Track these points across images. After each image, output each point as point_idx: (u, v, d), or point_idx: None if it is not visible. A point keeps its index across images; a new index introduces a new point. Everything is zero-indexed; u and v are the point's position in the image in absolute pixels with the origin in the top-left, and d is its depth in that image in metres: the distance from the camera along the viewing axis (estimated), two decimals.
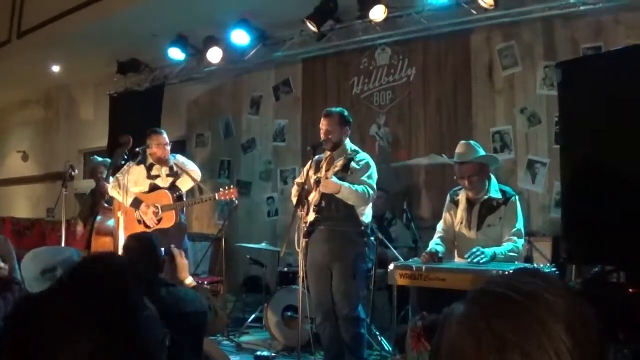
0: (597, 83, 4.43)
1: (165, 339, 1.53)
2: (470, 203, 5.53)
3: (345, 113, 6.09)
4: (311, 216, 5.84)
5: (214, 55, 9.62)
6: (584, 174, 4.17)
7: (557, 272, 4.53)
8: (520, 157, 7.68)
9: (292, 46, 9.41)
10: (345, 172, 5.82)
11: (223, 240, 8.58)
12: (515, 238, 5.28)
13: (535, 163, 7.54)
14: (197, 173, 7.34)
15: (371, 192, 5.76)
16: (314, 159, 6.14)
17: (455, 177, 5.57)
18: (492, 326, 1.10)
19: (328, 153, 6.02)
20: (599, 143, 4.15)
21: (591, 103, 4.35)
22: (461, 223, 5.56)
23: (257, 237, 9.00)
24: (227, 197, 6.99)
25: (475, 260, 5.00)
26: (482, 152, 5.56)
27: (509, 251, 5.18)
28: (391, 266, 5.18)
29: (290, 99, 9.85)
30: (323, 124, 5.98)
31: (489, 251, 5.07)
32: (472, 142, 5.61)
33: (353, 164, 5.85)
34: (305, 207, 5.85)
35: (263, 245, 8.11)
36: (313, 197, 5.89)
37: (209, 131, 10.81)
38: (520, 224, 5.36)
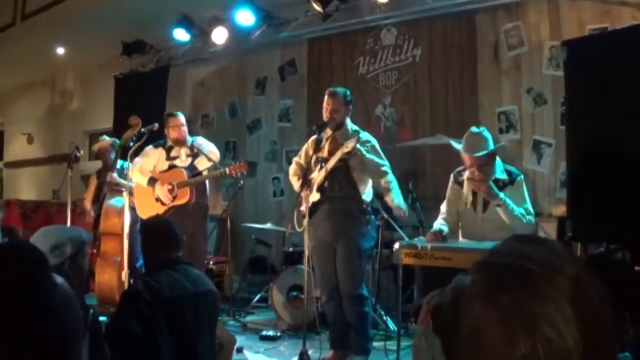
0: (604, 62, 4.42)
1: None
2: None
3: (349, 93, 6.11)
4: (315, 196, 5.87)
5: (219, 35, 9.61)
6: (589, 153, 4.16)
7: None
8: (526, 138, 7.67)
9: (297, 26, 9.39)
10: (349, 154, 5.77)
11: (229, 220, 8.74)
12: (526, 216, 5.25)
13: (541, 144, 7.53)
14: (215, 155, 7.42)
15: (385, 168, 5.85)
16: (314, 137, 6.16)
17: (462, 162, 5.53)
18: (517, 300, 1.07)
19: (329, 132, 6.03)
20: (605, 122, 4.14)
21: (598, 82, 4.34)
22: (466, 204, 5.53)
23: (262, 217, 9.04)
24: (238, 171, 7.04)
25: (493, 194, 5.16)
26: (491, 142, 5.42)
27: (521, 214, 5.19)
28: (396, 245, 5.20)
29: (296, 80, 9.84)
30: (328, 103, 5.99)
31: (509, 201, 5.17)
32: (483, 131, 5.46)
33: (358, 145, 5.78)
34: (308, 187, 5.82)
35: (268, 225, 8.14)
36: (316, 177, 5.90)
37: (214, 112, 10.82)
38: (528, 204, 5.34)
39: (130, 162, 7.19)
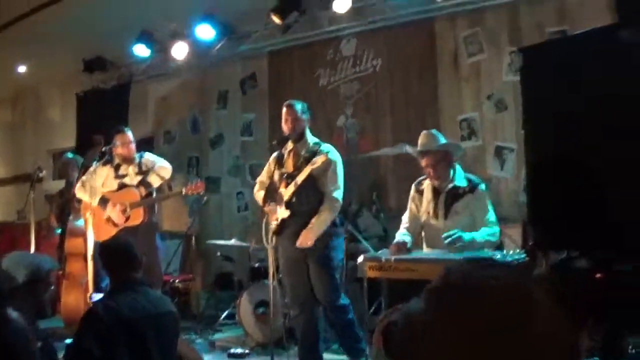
0: (560, 68, 4.38)
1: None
2: (436, 192, 5.52)
3: (306, 105, 6.08)
4: (283, 213, 5.79)
5: (180, 50, 9.52)
6: (548, 160, 4.12)
7: (527, 258, 4.50)
8: (488, 144, 7.65)
9: (257, 39, 9.33)
10: (306, 164, 5.76)
11: (194, 237, 8.73)
12: (490, 225, 5.30)
13: (503, 149, 7.51)
14: (166, 170, 7.28)
15: (336, 198, 5.77)
16: (275, 154, 6.11)
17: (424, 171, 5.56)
18: (472, 325, 1.09)
19: (291, 146, 5.96)
20: (562, 128, 4.10)
21: (554, 88, 4.30)
22: (428, 213, 5.54)
23: (228, 232, 8.99)
24: (194, 191, 6.98)
25: (453, 243, 5.05)
26: (442, 140, 5.55)
27: (488, 235, 5.21)
28: (360, 258, 5.18)
29: (257, 93, 9.74)
30: (288, 115, 5.93)
31: (468, 236, 5.09)
32: (433, 131, 5.62)
33: (317, 157, 5.76)
34: (274, 203, 5.82)
35: (232, 241, 8.04)
36: (283, 193, 5.84)
37: (176, 127, 10.66)
38: (492, 215, 5.38)
39: None
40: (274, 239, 5.79)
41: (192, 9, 8.81)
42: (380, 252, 5.45)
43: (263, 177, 6.21)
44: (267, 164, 6.21)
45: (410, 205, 5.75)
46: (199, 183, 7.01)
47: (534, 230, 4.17)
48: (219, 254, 8.62)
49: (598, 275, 3.53)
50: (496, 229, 5.30)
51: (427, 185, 5.60)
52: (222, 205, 9.95)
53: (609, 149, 3.78)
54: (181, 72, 10.31)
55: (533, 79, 4.52)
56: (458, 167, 5.56)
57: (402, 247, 5.33)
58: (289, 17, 8.51)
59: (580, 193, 3.86)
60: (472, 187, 5.42)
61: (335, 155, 5.90)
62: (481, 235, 5.19)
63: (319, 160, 5.62)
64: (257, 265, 7.79)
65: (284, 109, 5.98)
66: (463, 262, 1.27)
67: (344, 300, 5.82)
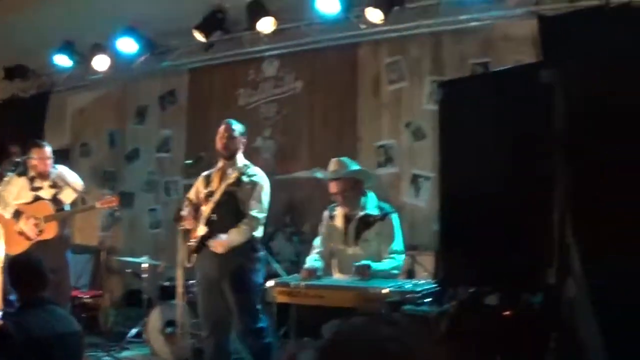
0: (477, 103, 4.34)
1: None
2: (347, 219, 5.49)
3: (245, 128, 6.03)
4: (202, 230, 5.66)
5: (101, 63, 9.21)
6: (460, 194, 4.08)
7: (439, 289, 4.45)
8: (404, 171, 7.63)
9: (179, 56, 9.16)
10: (236, 186, 5.66)
11: (105, 252, 8.53)
12: (394, 256, 5.34)
13: (419, 177, 7.49)
14: (79, 184, 7.09)
15: (256, 217, 5.65)
16: (204, 173, 5.98)
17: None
18: None
19: (221, 164, 5.86)
20: (474, 164, 4.07)
21: (469, 124, 4.26)
22: (339, 239, 5.52)
23: (139, 249, 8.76)
24: (108, 205, 6.87)
25: (361, 272, 5.07)
26: (353, 167, 5.54)
27: (392, 269, 5.27)
28: (270, 283, 5.12)
29: (176, 109, 9.57)
30: (225, 132, 5.83)
31: (376, 266, 5.13)
32: (344, 158, 5.60)
33: (244, 178, 5.70)
34: (195, 221, 5.72)
35: (143, 259, 7.86)
36: (203, 210, 5.72)
37: (94, 140, 10.35)
38: (398, 243, 5.40)
39: None
40: (193, 257, 5.69)
41: (116, 22, 8.59)
42: (290, 277, 5.45)
43: (191, 194, 6.07)
44: (197, 182, 6.09)
45: (322, 230, 5.71)
46: (113, 197, 6.91)
47: (444, 261, 4.09)
48: (129, 270, 8.47)
49: (507, 312, 3.47)
50: (399, 261, 5.37)
51: (339, 211, 5.56)
52: (135, 221, 9.72)
53: (520, 186, 3.76)
54: (101, 84, 10.04)
55: (450, 112, 4.48)
56: (371, 194, 5.53)
57: (312, 272, 5.27)
58: (212, 35, 8.34)
59: (489, 230, 3.81)
60: (383, 215, 5.42)
61: (263, 180, 5.82)
62: (385, 267, 5.23)
63: (233, 176, 5.63)
64: (167, 283, 7.62)
65: (222, 126, 5.89)
66: (358, 317, 1.34)
67: (261, 323, 5.67)
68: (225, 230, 5.59)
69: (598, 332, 3.02)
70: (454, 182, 4.25)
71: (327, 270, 5.57)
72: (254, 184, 5.70)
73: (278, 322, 5.65)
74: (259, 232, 5.76)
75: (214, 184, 5.78)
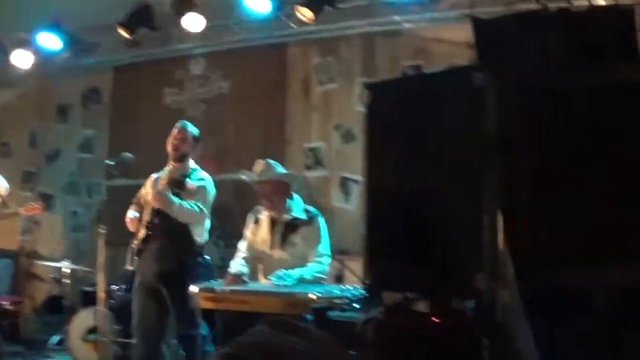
0: (405, 106, 4.26)
1: None
2: (273, 222, 5.46)
3: (198, 132, 6.04)
4: (142, 233, 5.64)
5: (22, 59, 8.84)
6: (386, 198, 4.02)
7: (367, 295, 4.35)
8: (333, 175, 7.57)
9: (103, 52, 8.87)
10: (180, 189, 5.63)
11: (25, 257, 8.61)
12: (320, 259, 5.33)
13: (348, 181, 7.44)
14: (3, 187, 7.07)
15: (202, 208, 5.63)
16: (153, 175, 5.93)
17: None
18: None
19: (169, 167, 5.82)
20: (401, 167, 4.01)
21: (397, 126, 4.20)
22: (264, 242, 5.49)
23: (60, 253, 8.55)
24: (32, 212, 6.94)
25: (280, 283, 4.99)
26: (279, 170, 5.55)
27: (316, 273, 5.23)
28: (194, 288, 4.98)
29: (100, 108, 9.33)
30: (178, 134, 5.82)
31: (294, 275, 5.05)
32: (270, 160, 5.59)
33: (189, 180, 5.70)
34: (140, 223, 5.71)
35: (65, 263, 7.69)
36: (147, 213, 5.72)
37: (14, 139, 9.98)
38: (324, 246, 5.41)
39: None
40: (135, 260, 5.70)
41: (38, 16, 8.27)
42: (216, 282, 5.32)
43: (137, 197, 6.01)
44: (145, 183, 6.01)
45: (247, 234, 5.66)
46: (39, 205, 6.97)
47: (371, 266, 4.00)
48: (50, 275, 8.38)
49: (437, 319, 3.41)
50: (323, 265, 5.35)
51: (264, 214, 5.52)
52: (55, 225, 9.41)
53: (448, 190, 3.73)
54: (22, 81, 9.66)
55: (378, 114, 4.41)
56: (297, 197, 5.53)
57: (237, 278, 5.21)
58: (137, 32, 8.11)
59: (417, 230, 3.75)
60: (310, 219, 5.43)
61: (209, 185, 5.83)
62: (309, 272, 5.19)
63: (175, 177, 5.67)
64: (89, 289, 7.46)
65: (176, 129, 5.88)
66: (262, 326, 1.23)
67: (199, 331, 5.56)
68: (166, 235, 5.58)
69: (533, 342, 2.98)
70: (380, 186, 4.16)
71: (253, 275, 5.52)
72: (199, 189, 5.69)
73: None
74: (201, 236, 5.76)
75: (160, 187, 5.72)
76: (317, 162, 7.66)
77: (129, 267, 5.79)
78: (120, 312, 6.48)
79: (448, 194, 3.65)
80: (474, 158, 3.59)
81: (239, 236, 5.92)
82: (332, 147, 7.62)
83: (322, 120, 7.74)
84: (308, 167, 7.61)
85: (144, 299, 5.65)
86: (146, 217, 5.66)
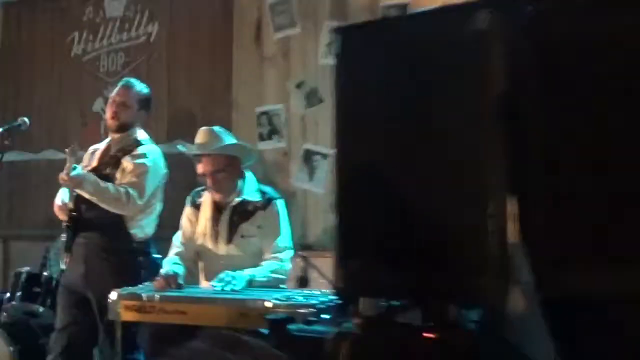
0: (386, 57, 4.27)
1: None
2: (217, 208, 5.49)
3: (149, 92, 6.16)
4: (66, 224, 5.73)
5: None
6: (363, 177, 4.01)
7: (339, 302, 4.36)
8: (294, 147, 7.60)
9: None
10: (114, 168, 5.77)
11: None
12: (279, 255, 5.40)
13: (314, 154, 7.46)
14: None
15: (132, 194, 5.62)
16: (90, 149, 6.11)
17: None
18: None
19: (108, 139, 6.03)
20: (381, 138, 4.00)
21: (376, 83, 4.20)
22: (206, 234, 5.52)
23: None
24: None
25: (225, 289, 5.00)
26: (228, 140, 5.55)
27: (273, 273, 5.29)
28: (112, 295, 4.97)
29: None
30: (117, 97, 5.94)
31: (243, 276, 5.07)
32: (216, 128, 5.61)
33: (127, 158, 5.77)
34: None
35: None
36: (72, 198, 5.76)
37: None
38: (285, 238, 5.46)
39: None
40: (66, 258, 5.72)
41: None
42: (141, 286, 5.27)
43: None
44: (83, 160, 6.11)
45: (184, 223, 5.71)
46: None
47: (345, 266, 4.00)
48: None
49: (431, 333, 3.44)
50: (283, 264, 5.40)
51: (206, 198, 5.56)
52: None
53: (442, 169, 3.73)
54: None
55: (351, 68, 4.41)
56: (250, 175, 5.56)
57: (171, 280, 5.19)
58: None
59: (404, 220, 3.75)
60: (266, 202, 5.46)
61: (151, 163, 5.86)
62: (263, 274, 5.24)
63: (112, 153, 5.82)
64: None
65: (117, 87, 6.02)
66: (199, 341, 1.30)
67: (135, 354, 5.67)
68: (93, 227, 5.71)
69: (553, 356, 3.03)
70: (355, 162, 4.16)
71: (191, 277, 5.58)
72: (134, 168, 5.73)
73: (124, 348, 5.42)
74: (141, 229, 5.85)
75: (94, 163, 5.91)
76: (273, 131, 7.67)
77: (62, 267, 5.83)
78: (16, 327, 6.50)
79: (443, 173, 3.67)
80: (476, 127, 3.61)
81: (173, 227, 5.95)
82: (292, 111, 7.65)
83: (279, 77, 7.75)
84: (262, 137, 7.64)
85: (67, 310, 5.79)
86: (69, 204, 5.69)
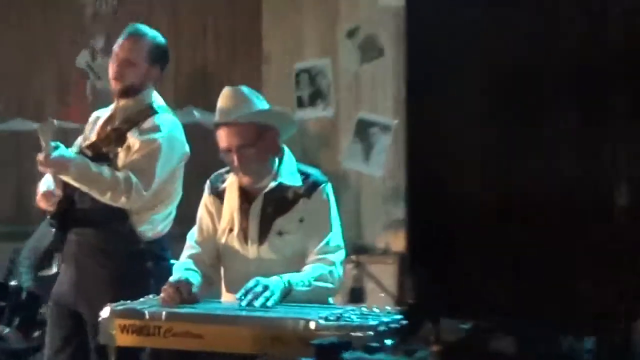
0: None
1: None
2: (246, 196, 5.27)
3: (163, 42, 5.93)
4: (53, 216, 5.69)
5: None
6: (444, 159, 3.95)
7: (408, 322, 4.32)
8: (345, 115, 7.63)
9: None
10: (118, 144, 5.64)
11: None
12: (328, 257, 5.09)
13: (370, 126, 7.47)
14: None
15: (134, 183, 5.45)
16: (96, 113, 6.05)
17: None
18: None
19: (113, 105, 5.88)
20: (470, 105, 3.95)
21: (458, 35, 4.16)
22: (231, 231, 5.29)
23: None
24: None
25: (254, 303, 4.71)
26: (260, 104, 5.28)
27: (317, 280, 4.99)
28: (104, 312, 4.73)
29: None
30: (120, 51, 5.75)
31: (279, 286, 4.82)
32: (244, 89, 5.31)
33: (134, 132, 5.62)
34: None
35: None
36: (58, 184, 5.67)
37: None
38: (336, 235, 5.21)
39: None
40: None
41: None
42: (143, 300, 5.04)
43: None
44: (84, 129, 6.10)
45: (202, 216, 5.47)
46: None
47: (417, 274, 3.94)
48: None
49: None
50: (333, 268, 5.10)
51: (231, 183, 5.34)
52: None
53: (552, 151, 3.68)
54: None
55: (425, 11, 4.37)
56: (288, 154, 5.35)
57: (183, 292, 4.92)
58: None
59: (498, 217, 3.69)
60: (310, 188, 5.22)
61: (167, 140, 5.68)
62: (306, 281, 4.97)
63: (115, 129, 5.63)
64: None
65: (121, 38, 5.80)
66: None
67: None
68: (85, 221, 5.62)
69: None
70: (432, 136, 4.12)
71: (211, 288, 5.39)
72: (141, 146, 5.59)
73: None
74: (151, 225, 5.72)
75: (92, 137, 5.80)
76: (317, 95, 7.69)
77: (52, 272, 5.79)
78: None
79: (553, 150, 3.60)
80: (595, 98, 3.56)
81: (189, 218, 5.88)
82: (341, 67, 7.66)
83: (324, 22, 7.76)
84: (301, 103, 7.67)
85: (57, 327, 5.77)
86: (57, 190, 5.59)
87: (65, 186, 5.55)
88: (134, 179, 5.44)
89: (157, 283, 5.41)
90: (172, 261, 5.69)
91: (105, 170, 5.43)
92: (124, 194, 5.47)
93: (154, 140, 5.61)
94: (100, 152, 5.59)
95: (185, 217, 5.77)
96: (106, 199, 5.47)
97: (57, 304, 5.72)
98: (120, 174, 5.42)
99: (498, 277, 3.52)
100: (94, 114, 5.94)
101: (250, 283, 4.81)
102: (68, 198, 5.60)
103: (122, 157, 5.55)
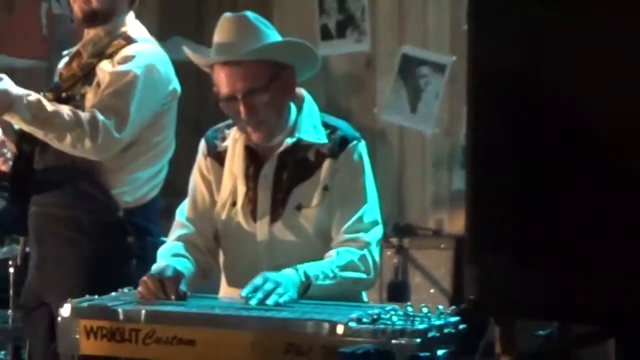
0: None
1: None
2: (254, 157, 5.31)
3: None
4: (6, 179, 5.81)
5: None
6: (519, 109, 3.94)
7: (468, 325, 4.40)
8: (383, 51, 7.66)
9: None
10: (85, 83, 5.76)
11: None
12: (361, 237, 5.12)
13: (418, 65, 7.44)
14: None
15: (102, 122, 5.44)
16: (63, 55, 6.16)
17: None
18: None
19: (84, 38, 5.99)
20: (551, 49, 3.94)
21: None
22: (234, 204, 5.33)
23: None
24: None
25: (267, 302, 4.72)
26: (275, 38, 5.28)
27: (344, 270, 4.99)
28: (64, 309, 4.80)
29: None
30: None
31: (295, 279, 4.84)
32: (250, 15, 5.28)
33: (105, 64, 5.73)
34: None
35: None
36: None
37: None
38: (372, 207, 5.23)
39: None
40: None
41: None
42: (116, 295, 5.15)
43: None
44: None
45: (197, 185, 5.51)
46: None
47: (480, 264, 3.94)
48: None
49: None
50: (367, 252, 5.11)
51: (234, 141, 5.36)
52: None
53: None
54: None
55: None
56: (309, 101, 5.36)
57: (167, 285, 4.98)
58: None
59: (584, 199, 3.68)
60: (338, 146, 5.23)
61: (142, 70, 5.71)
62: (330, 272, 4.95)
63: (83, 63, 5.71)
64: None
65: None
66: None
67: None
68: (46, 186, 5.65)
69: None
70: (506, 78, 4.13)
71: (207, 280, 5.51)
72: (112, 79, 5.65)
73: None
74: (135, 188, 5.82)
75: (61, 77, 5.95)
76: (347, 22, 7.68)
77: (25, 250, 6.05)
78: None
79: None
80: None
81: (180, 189, 5.86)
82: None
83: None
84: (326, 34, 7.70)
85: (28, 319, 6.10)
86: (11, 145, 5.73)
87: (21, 139, 5.59)
88: (100, 117, 5.42)
89: (140, 266, 5.55)
90: (162, 238, 5.65)
91: (65, 109, 5.42)
92: (88, 136, 5.40)
93: (127, 71, 5.64)
94: (64, 94, 5.62)
95: (173, 187, 5.78)
96: (66, 145, 5.42)
97: (28, 292, 5.97)
98: (84, 114, 5.41)
99: (602, 269, 3.49)
100: (66, 52, 6.05)
101: (258, 280, 4.76)
102: (25, 156, 5.59)
103: (90, 98, 5.60)
